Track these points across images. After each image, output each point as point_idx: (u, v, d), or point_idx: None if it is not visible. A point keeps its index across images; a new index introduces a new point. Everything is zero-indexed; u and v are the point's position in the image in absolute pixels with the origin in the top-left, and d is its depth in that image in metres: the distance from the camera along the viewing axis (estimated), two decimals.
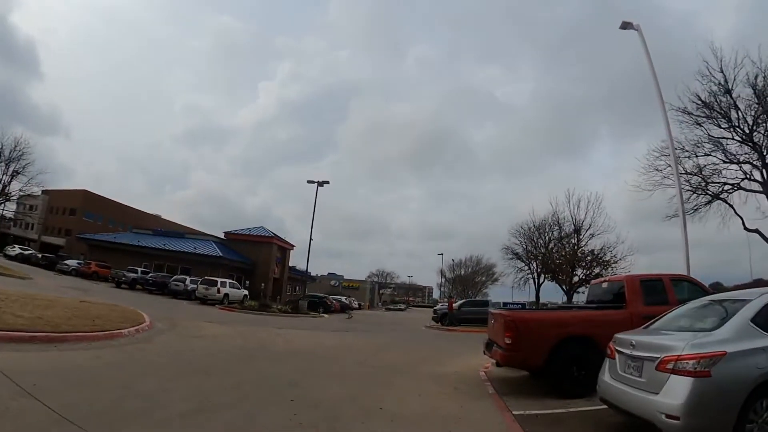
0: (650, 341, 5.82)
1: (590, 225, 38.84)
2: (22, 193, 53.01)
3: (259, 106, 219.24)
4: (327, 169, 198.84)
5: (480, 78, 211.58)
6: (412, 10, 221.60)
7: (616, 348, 6.27)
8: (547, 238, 45.38)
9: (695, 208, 25.29)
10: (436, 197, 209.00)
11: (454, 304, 38.29)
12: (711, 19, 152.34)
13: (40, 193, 74.93)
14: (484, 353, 10.77)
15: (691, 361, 4.90)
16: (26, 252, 53.47)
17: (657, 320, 6.92)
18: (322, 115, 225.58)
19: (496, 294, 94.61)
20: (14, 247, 54.82)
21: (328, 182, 40.92)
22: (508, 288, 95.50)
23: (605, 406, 6.29)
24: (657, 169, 25.36)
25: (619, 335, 6.52)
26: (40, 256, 52.77)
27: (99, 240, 56.23)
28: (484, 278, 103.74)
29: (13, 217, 72.12)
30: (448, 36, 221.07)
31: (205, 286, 36.50)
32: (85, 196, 75.46)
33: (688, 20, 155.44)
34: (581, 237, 39.10)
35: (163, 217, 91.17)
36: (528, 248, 49.78)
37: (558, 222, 41.94)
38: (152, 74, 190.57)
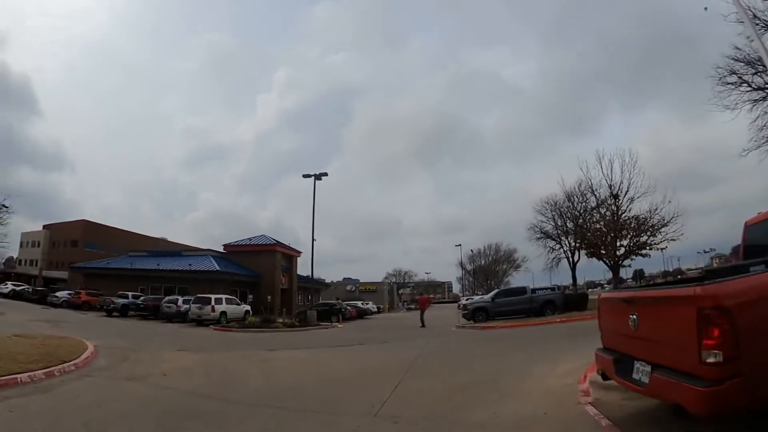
0: None
1: (628, 188, 33.83)
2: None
3: (258, 118, 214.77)
4: (334, 174, 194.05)
5: (482, 62, 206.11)
6: (402, 5, 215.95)
7: None
8: (580, 208, 40.37)
9: None
10: (447, 190, 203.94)
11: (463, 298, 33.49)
12: None
13: (41, 228, 75.30)
14: (605, 378, 6.00)
15: None
16: (18, 288, 50.95)
17: None
18: (324, 121, 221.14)
19: (520, 281, 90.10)
20: (7, 284, 52.16)
21: (326, 174, 36.31)
22: (532, 274, 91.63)
23: None
24: (730, 84, 20.44)
25: None
26: (31, 290, 50.35)
27: (92, 268, 52.76)
28: (505, 266, 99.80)
29: (17, 256, 72.63)
30: (445, 22, 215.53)
31: (198, 305, 31.94)
32: (86, 226, 73.28)
33: None
34: (620, 202, 33.99)
35: (168, 239, 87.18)
36: (558, 224, 45.07)
37: (591, 188, 36.76)
38: (145, 102, 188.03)
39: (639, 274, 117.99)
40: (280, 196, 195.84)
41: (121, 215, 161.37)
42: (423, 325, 29.06)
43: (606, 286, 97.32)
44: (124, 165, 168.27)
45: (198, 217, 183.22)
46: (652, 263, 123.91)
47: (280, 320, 31.61)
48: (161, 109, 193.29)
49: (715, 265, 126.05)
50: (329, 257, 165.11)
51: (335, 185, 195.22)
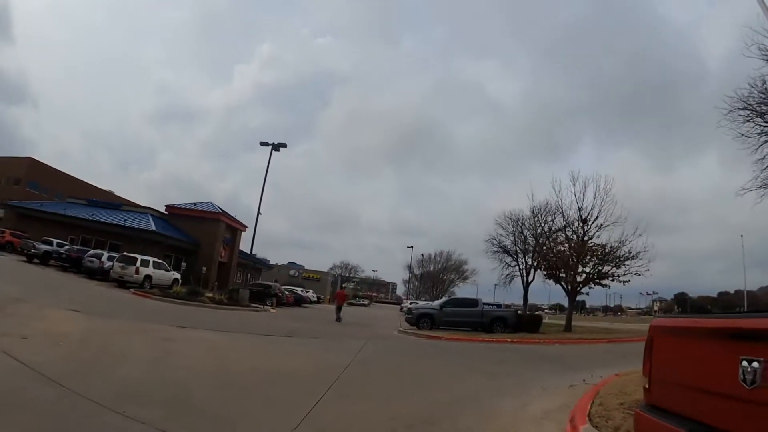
0: None
1: (598, 215, 31.97)
2: None
3: (233, 88, 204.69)
4: (301, 157, 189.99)
5: (470, 72, 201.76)
6: (404, 1, 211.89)
7: None
8: (547, 227, 38.54)
9: None
10: (411, 192, 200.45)
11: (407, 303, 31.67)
12: (709, 32, 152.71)
13: None
14: None
15: None
16: None
17: None
18: (300, 103, 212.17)
19: (465, 293, 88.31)
20: None
21: (285, 145, 33.64)
22: (477, 287, 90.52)
23: None
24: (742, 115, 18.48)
25: None
26: None
27: (24, 207, 47.77)
28: (453, 276, 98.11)
29: None
30: (443, 27, 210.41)
31: (121, 264, 29.02)
32: (32, 164, 66.71)
33: (684, 31, 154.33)
34: (588, 228, 32.19)
35: (116, 193, 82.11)
36: (518, 240, 43.42)
37: (561, 208, 34.80)
38: (125, 45, 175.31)
39: (580, 306, 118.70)
40: (241, 171, 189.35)
41: (77, 162, 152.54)
42: (338, 320, 28.24)
43: (548, 311, 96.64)
44: (89, 109, 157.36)
45: (154, 177, 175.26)
46: (592, 298, 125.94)
47: (209, 294, 28.83)
48: (139, 56, 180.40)
49: (656, 308, 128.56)
50: (280, 239, 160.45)
51: (300, 169, 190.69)
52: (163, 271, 31.94)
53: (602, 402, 7.40)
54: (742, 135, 18.15)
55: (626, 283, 30.43)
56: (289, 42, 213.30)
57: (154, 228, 43.01)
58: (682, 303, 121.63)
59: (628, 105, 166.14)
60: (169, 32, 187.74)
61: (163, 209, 51.09)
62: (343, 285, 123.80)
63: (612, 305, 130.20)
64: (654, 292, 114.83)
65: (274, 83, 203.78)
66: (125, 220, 43.64)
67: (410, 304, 51.47)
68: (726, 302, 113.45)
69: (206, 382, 7.54)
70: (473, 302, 28.80)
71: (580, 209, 32.69)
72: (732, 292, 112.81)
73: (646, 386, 3.96)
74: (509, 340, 22.15)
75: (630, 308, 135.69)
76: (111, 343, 9.53)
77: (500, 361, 14.23)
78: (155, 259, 31.94)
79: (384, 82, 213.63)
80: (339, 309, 30.18)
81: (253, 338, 14.56)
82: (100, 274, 30.34)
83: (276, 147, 33.24)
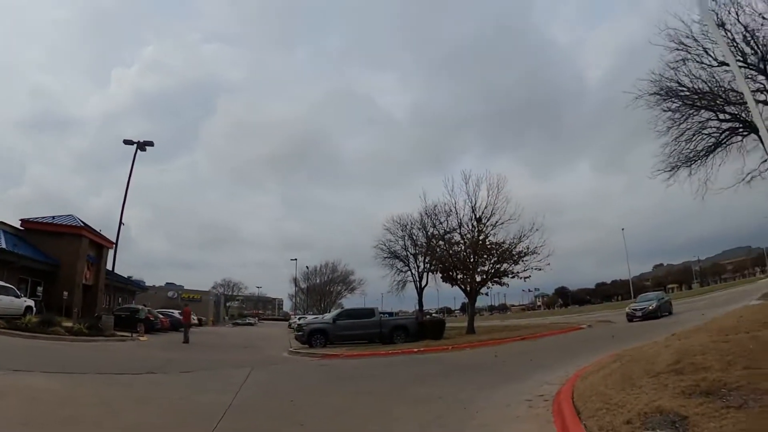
0: None
1: (492, 213, 31.51)
2: None
3: (110, 94, 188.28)
4: (181, 170, 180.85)
5: (363, 85, 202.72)
6: (301, 9, 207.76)
7: None
8: (440, 228, 37.57)
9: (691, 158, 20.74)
10: (296, 205, 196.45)
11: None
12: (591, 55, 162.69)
13: None
14: None
15: None
16: None
17: None
18: (182, 112, 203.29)
19: (353, 304, 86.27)
20: None
21: (151, 143, 30.81)
22: (365, 297, 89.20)
23: None
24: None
25: None
26: None
27: None
28: (340, 287, 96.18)
29: None
30: (340, 36, 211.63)
31: None
32: None
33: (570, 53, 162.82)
34: (484, 226, 31.31)
35: None
36: (408, 245, 42.39)
37: (455, 208, 33.94)
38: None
39: (467, 307, 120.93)
40: (117, 185, 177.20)
41: None
42: (186, 341, 26.96)
43: (435, 315, 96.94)
44: None
45: (22, 194, 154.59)
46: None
47: (67, 324, 24.68)
48: (16, 57, 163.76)
49: (539, 303, 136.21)
50: (160, 260, 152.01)
51: (180, 184, 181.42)
52: (12, 298, 26.80)
53: (600, 425, 5.31)
54: (669, 110, 18.94)
55: (527, 279, 30.10)
56: (176, 46, 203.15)
57: (4, 245, 36.48)
58: (564, 296, 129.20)
59: (513, 117, 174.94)
60: (49, 31, 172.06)
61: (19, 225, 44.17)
62: (228, 304, 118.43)
63: (497, 304, 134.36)
64: (536, 289, 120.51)
65: (155, 90, 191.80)
66: None
67: (299, 319, 48.75)
68: (604, 292, 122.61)
69: None
70: (369, 312, 26.93)
71: (473, 208, 31.89)
72: (609, 282, 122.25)
73: None
74: (416, 350, 20.23)
75: (514, 305, 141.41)
76: None
77: (421, 379, 11.93)
78: (1, 284, 27.15)
79: (272, 92, 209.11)
80: (186, 328, 28.43)
81: (102, 381, 11.27)
82: None
83: (141, 146, 30.13)
